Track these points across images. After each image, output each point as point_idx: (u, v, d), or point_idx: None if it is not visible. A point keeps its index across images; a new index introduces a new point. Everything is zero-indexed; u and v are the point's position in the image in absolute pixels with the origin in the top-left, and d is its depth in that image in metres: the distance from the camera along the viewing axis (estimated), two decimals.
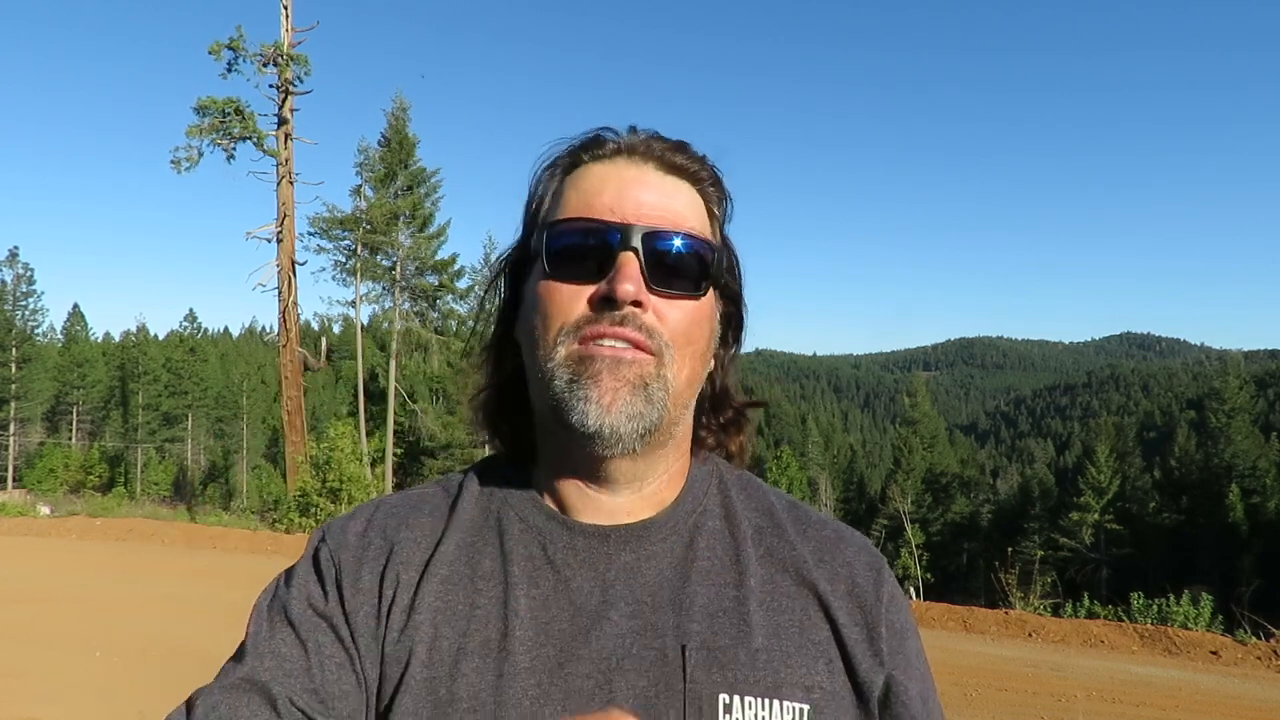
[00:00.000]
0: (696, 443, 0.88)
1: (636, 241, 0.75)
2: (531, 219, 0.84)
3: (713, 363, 0.85)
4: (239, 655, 0.75)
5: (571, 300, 0.76)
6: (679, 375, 0.76)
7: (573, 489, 0.80)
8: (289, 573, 0.81)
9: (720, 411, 0.89)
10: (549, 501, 0.82)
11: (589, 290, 0.75)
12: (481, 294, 0.91)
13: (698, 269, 0.78)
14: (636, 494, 0.80)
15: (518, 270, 0.85)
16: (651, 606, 0.76)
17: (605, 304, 0.74)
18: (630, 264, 0.74)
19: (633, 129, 0.82)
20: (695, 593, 0.77)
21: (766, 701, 0.72)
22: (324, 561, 0.79)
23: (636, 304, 0.74)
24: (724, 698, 0.72)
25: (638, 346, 0.74)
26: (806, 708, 0.73)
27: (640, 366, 0.74)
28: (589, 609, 0.75)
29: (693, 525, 0.82)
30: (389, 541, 0.80)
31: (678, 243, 0.77)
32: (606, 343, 0.74)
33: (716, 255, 0.80)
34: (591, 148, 0.81)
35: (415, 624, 0.75)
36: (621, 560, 0.78)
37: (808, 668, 0.75)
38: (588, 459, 0.77)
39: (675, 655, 0.73)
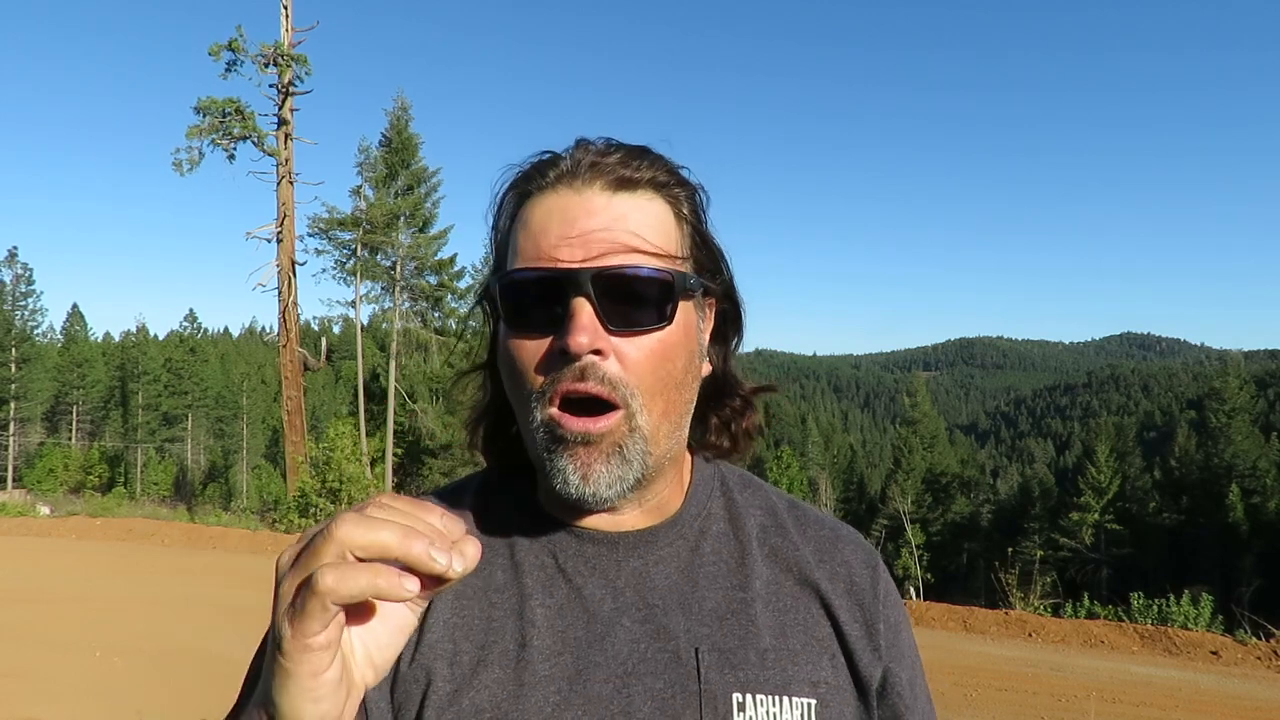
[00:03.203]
0: (703, 436, 0.87)
1: (587, 284, 0.71)
2: (497, 250, 0.82)
3: (708, 366, 0.83)
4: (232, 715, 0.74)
5: (534, 356, 0.74)
6: (652, 415, 0.74)
7: (576, 504, 0.80)
8: None
9: (726, 402, 0.88)
10: (555, 512, 0.82)
11: (548, 342, 0.73)
12: (464, 320, 0.90)
13: (659, 296, 0.74)
14: (639, 509, 0.81)
15: (494, 300, 0.82)
16: (662, 610, 0.78)
17: (563, 357, 0.72)
18: (583, 311, 0.71)
19: (580, 144, 0.78)
20: (704, 596, 0.79)
21: (776, 698, 0.75)
22: None
23: (597, 351, 0.72)
24: (737, 696, 0.74)
25: (606, 403, 0.72)
26: (814, 702, 0.76)
27: (611, 434, 0.72)
28: (602, 615, 0.77)
29: (698, 529, 0.83)
30: None
31: (632, 275, 0.72)
32: (576, 417, 0.72)
33: (678, 277, 0.75)
34: (535, 177, 0.77)
35: (430, 643, 0.76)
36: (631, 566, 0.79)
37: (813, 664, 0.78)
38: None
39: (689, 657, 0.75)
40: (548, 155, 0.79)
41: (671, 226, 0.77)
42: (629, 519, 0.81)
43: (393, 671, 0.75)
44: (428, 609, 0.76)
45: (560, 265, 0.72)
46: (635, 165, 0.76)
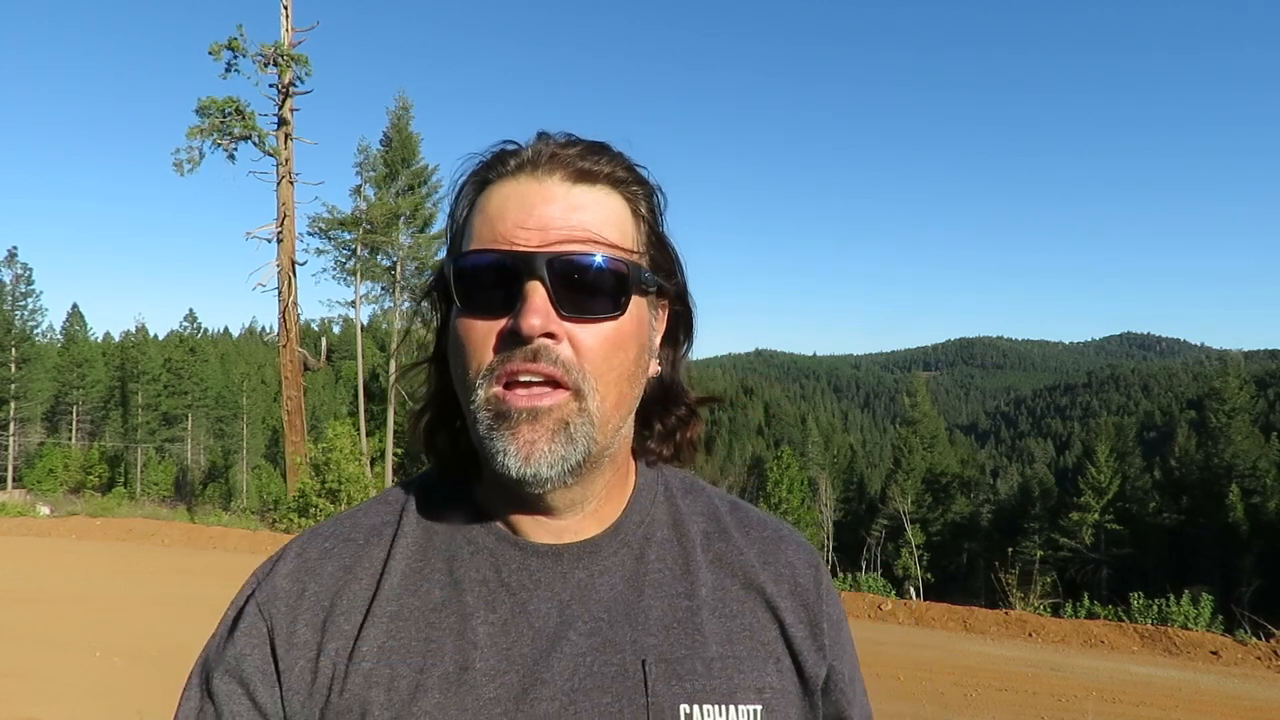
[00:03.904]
0: (644, 442, 0.86)
1: (542, 268, 0.70)
2: (453, 236, 0.80)
3: (656, 367, 0.82)
4: None
5: (485, 338, 0.72)
6: (604, 403, 0.73)
7: (518, 510, 0.79)
8: (217, 633, 0.78)
9: (672, 409, 0.86)
10: (496, 521, 0.79)
11: (501, 324, 0.72)
12: (414, 309, 0.89)
13: (614, 286, 0.73)
14: (580, 514, 0.79)
15: (446, 291, 0.80)
16: (608, 622, 0.76)
17: (514, 339, 0.70)
18: (536, 294, 0.70)
19: (541, 136, 0.78)
20: (650, 606, 0.78)
21: (723, 708, 0.74)
22: (251, 617, 0.76)
23: (550, 335, 0.70)
24: (685, 708, 0.73)
25: (555, 382, 0.71)
26: (759, 708, 0.76)
27: (559, 409, 0.71)
28: (548, 631, 0.74)
29: (642, 537, 0.81)
30: (326, 587, 0.76)
31: (588, 262, 0.72)
32: (522, 390, 0.71)
33: (633, 269, 0.74)
34: (496, 165, 0.77)
35: (364, 670, 0.72)
36: (576, 578, 0.77)
37: (759, 670, 0.78)
38: (524, 492, 0.75)
39: (635, 669, 0.74)
40: (508, 145, 0.78)
41: (628, 222, 0.77)
42: (571, 526, 0.78)
43: (320, 708, 0.72)
44: (358, 634, 0.74)
45: (516, 248, 0.72)
46: (595, 159, 0.75)
